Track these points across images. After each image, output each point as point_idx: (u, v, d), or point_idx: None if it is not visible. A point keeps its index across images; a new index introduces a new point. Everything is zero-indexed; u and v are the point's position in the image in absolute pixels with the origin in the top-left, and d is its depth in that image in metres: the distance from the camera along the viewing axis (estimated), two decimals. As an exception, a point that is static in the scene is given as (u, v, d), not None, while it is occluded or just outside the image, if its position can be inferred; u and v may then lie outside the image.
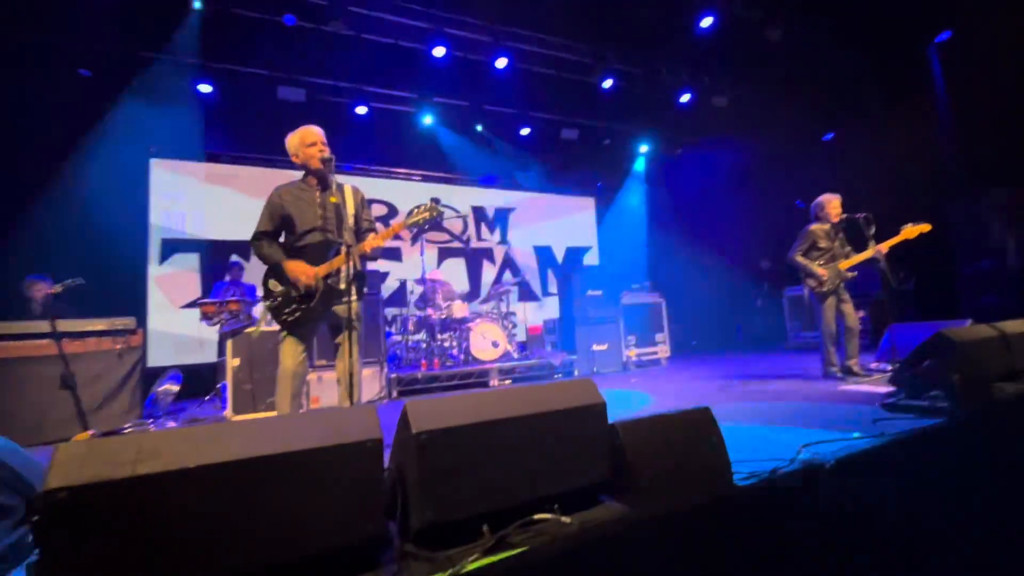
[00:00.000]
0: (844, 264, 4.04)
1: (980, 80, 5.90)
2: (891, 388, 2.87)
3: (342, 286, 2.40)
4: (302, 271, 2.33)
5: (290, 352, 2.41)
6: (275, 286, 2.41)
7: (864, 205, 4.03)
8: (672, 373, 5.43)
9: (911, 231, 3.91)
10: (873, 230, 3.86)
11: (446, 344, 5.69)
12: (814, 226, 4.20)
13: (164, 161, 6.21)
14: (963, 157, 6.14)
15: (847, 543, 1.82)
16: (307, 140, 2.46)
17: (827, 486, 1.85)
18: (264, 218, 2.46)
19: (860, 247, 4.04)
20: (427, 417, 1.37)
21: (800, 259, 4.16)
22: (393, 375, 4.88)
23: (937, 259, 6.05)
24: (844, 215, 4.11)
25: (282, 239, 2.52)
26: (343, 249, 2.35)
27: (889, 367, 3.94)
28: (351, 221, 2.46)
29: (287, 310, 2.38)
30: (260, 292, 2.52)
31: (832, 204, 4.16)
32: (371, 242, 2.42)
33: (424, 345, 5.63)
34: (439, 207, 2.45)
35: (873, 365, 4.25)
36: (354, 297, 2.38)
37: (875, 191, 5.85)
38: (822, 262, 4.10)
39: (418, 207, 2.45)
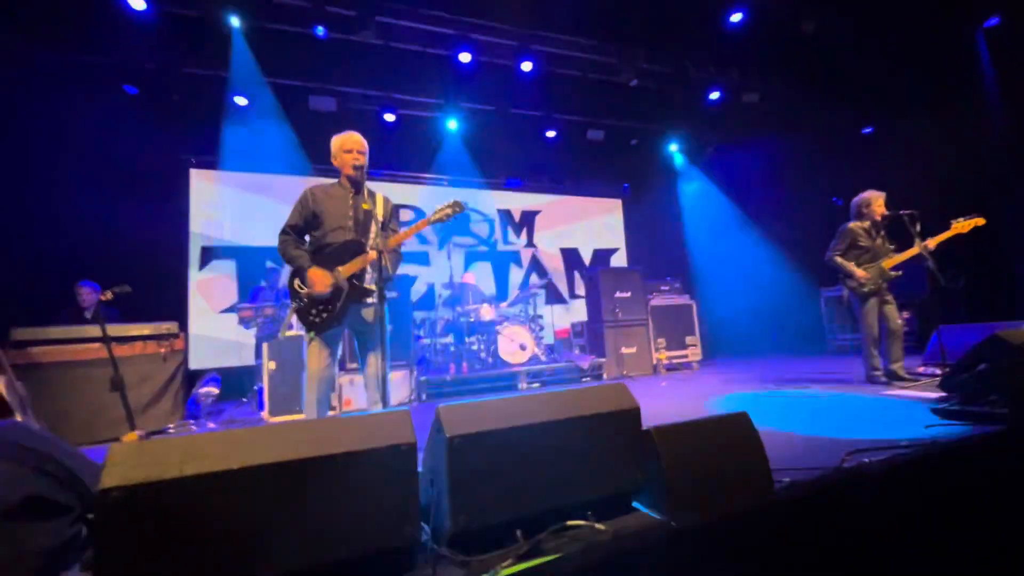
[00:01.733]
0: (888, 263, 3.86)
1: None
2: (941, 393, 2.73)
3: (368, 287, 2.43)
4: (319, 279, 2.36)
5: (316, 355, 2.41)
6: (301, 287, 2.43)
7: (906, 202, 3.85)
8: (704, 377, 5.30)
9: (963, 225, 3.70)
10: (919, 227, 3.68)
11: (474, 347, 5.72)
12: (853, 224, 4.03)
13: (203, 172, 6.46)
14: (1015, 148, 5.80)
15: (895, 558, 1.73)
16: (345, 146, 2.52)
17: (875, 496, 1.76)
18: (294, 213, 2.51)
19: (903, 245, 3.86)
20: (460, 421, 1.37)
21: (839, 259, 4.00)
22: (422, 378, 4.92)
23: (988, 257, 5.73)
24: (888, 212, 3.93)
25: (308, 237, 2.56)
26: (369, 250, 2.39)
27: (938, 371, 3.75)
28: (378, 227, 2.49)
29: (313, 311, 2.39)
30: (288, 292, 2.54)
31: (877, 202, 3.98)
32: (396, 238, 2.43)
33: (452, 348, 5.67)
34: (461, 204, 2.43)
35: (920, 369, 4.04)
36: (381, 300, 2.41)
37: (918, 187, 5.57)
38: (864, 261, 3.93)
39: (440, 206, 2.46)
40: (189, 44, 5.57)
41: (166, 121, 6.01)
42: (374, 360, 2.43)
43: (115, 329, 3.70)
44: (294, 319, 2.55)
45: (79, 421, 3.47)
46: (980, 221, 3.69)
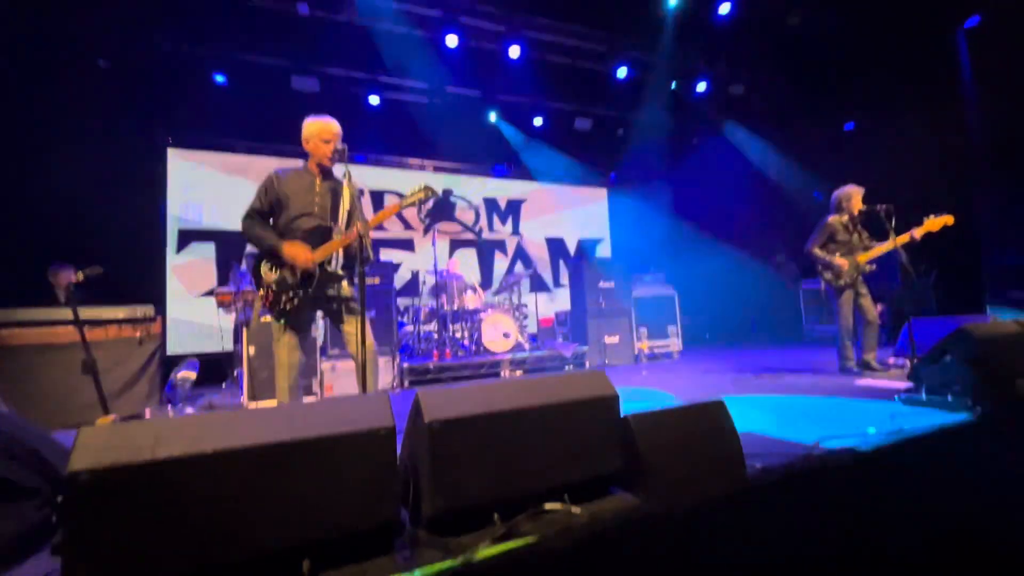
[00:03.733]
0: (863, 257, 3.96)
1: (1010, 67, 5.69)
2: (910, 384, 2.82)
3: (334, 271, 2.39)
4: (300, 252, 2.27)
5: (285, 343, 2.35)
6: (267, 274, 2.34)
7: (886, 196, 3.93)
8: (684, 366, 5.39)
9: (933, 223, 3.80)
10: (894, 222, 3.76)
11: (458, 335, 5.71)
12: (832, 218, 4.12)
13: (181, 151, 6.28)
14: (990, 147, 5.95)
15: (862, 542, 1.80)
16: (324, 135, 2.44)
17: (843, 483, 1.82)
18: (257, 197, 2.43)
19: (880, 239, 3.95)
20: (439, 406, 1.38)
21: (818, 251, 4.08)
22: (405, 365, 4.91)
23: (960, 252, 5.90)
24: (864, 207, 4.01)
25: (272, 223, 2.47)
26: (335, 235, 2.35)
27: (907, 362, 3.87)
28: (350, 212, 2.45)
29: (284, 298, 2.32)
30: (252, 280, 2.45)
31: (856, 197, 4.06)
32: (371, 221, 2.36)
33: (436, 335, 5.66)
34: (432, 188, 2.40)
35: (891, 360, 4.17)
36: (347, 285, 2.39)
37: (898, 181, 5.68)
38: (840, 254, 4.02)
39: (412, 189, 2.42)
40: (164, 16, 5.37)
41: (142, 97, 5.81)
42: (354, 339, 2.35)
43: (88, 312, 3.59)
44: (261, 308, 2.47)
45: (50, 405, 3.39)
46: (949, 220, 3.79)
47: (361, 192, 2.71)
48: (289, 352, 2.36)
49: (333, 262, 2.39)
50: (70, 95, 5.41)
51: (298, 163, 2.57)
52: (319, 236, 2.36)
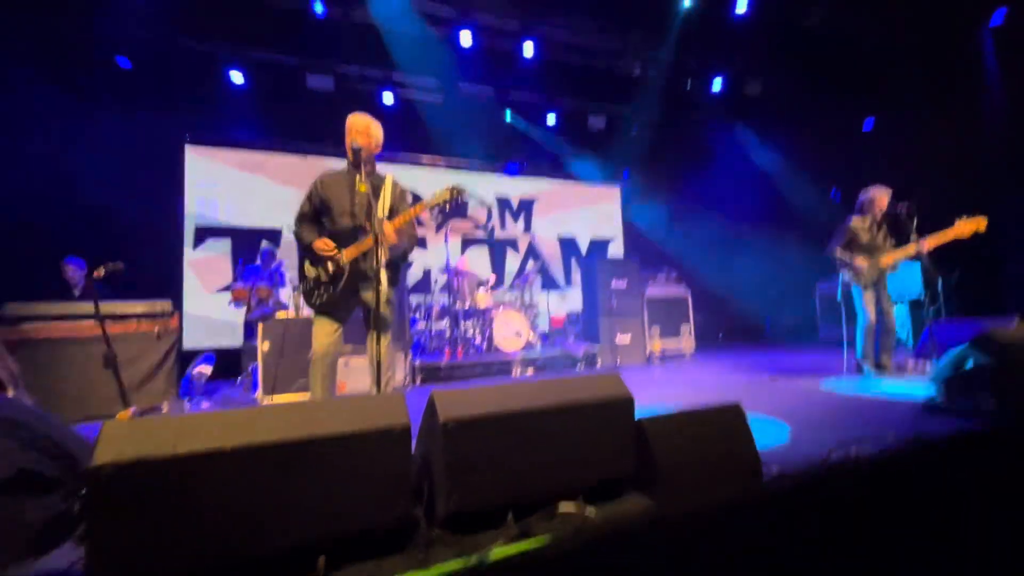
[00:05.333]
0: (885, 260, 3.88)
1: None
2: (929, 386, 2.76)
3: (366, 270, 2.45)
4: (324, 245, 2.42)
5: (319, 334, 2.48)
6: (309, 270, 2.50)
7: (906, 197, 3.85)
8: (697, 367, 5.34)
9: (965, 227, 3.63)
10: (916, 223, 3.68)
11: (469, 333, 5.72)
12: (855, 220, 4.02)
13: (198, 148, 6.36)
14: (1015, 147, 5.80)
15: (878, 550, 1.77)
16: (351, 128, 2.52)
17: (860, 489, 1.79)
18: (304, 202, 2.57)
19: (904, 239, 3.86)
20: (454, 406, 1.38)
21: (840, 253, 4.01)
22: (417, 362, 4.94)
23: (983, 254, 5.76)
24: (887, 210, 3.93)
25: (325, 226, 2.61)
26: (371, 235, 2.37)
27: (928, 365, 3.79)
28: (384, 211, 2.48)
29: (316, 293, 2.46)
30: (297, 276, 2.62)
31: (882, 199, 3.95)
32: (395, 223, 2.41)
33: (447, 333, 5.67)
34: (460, 189, 2.43)
35: (910, 363, 4.09)
36: (384, 284, 2.41)
37: (918, 182, 5.57)
38: (863, 256, 3.95)
39: (439, 190, 2.45)
40: (184, 16, 5.45)
41: (161, 95, 5.90)
42: (372, 343, 2.43)
43: (109, 307, 3.67)
44: (301, 301, 2.61)
45: (71, 398, 3.47)
46: (983, 223, 3.60)
47: (406, 193, 2.73)
48: (320, 342, 2.47)
49: (369, 260, 2.43)
50: (89, 92, 5.52)
51: (342, 165, 2.63)
52: (354, 235, 2.46)
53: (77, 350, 3.56)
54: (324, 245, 2.42)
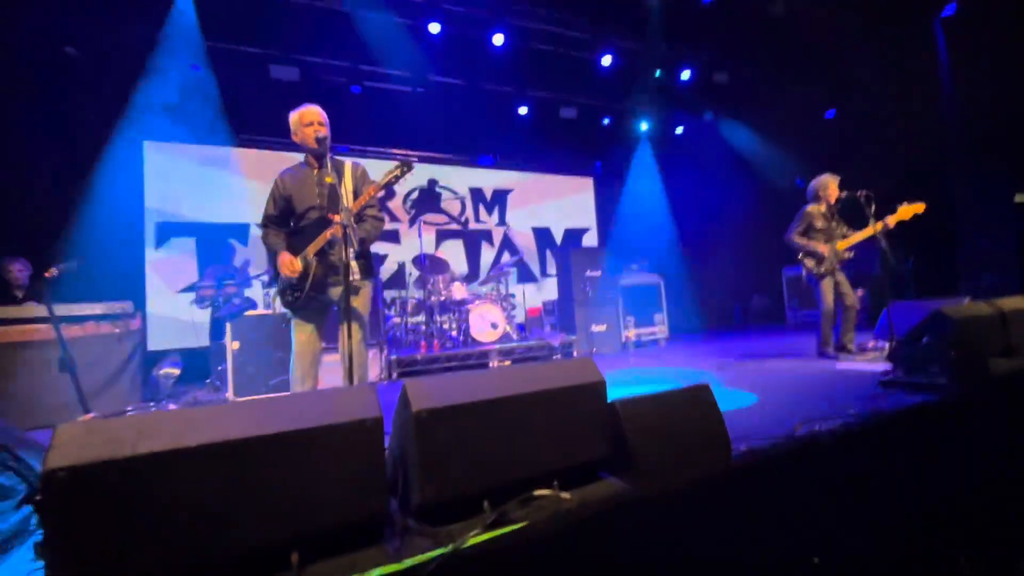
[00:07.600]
0: (842, 244, 4.03)
1: (984, 55, 5.79)
2: (888, 366, 2.89)
3: (333, 260, 2.42)
4: (284, 263, 2.40)
5: (296, 333, 2.49)
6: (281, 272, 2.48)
7: (866, 183, 3.99)
8: (671, 353, 5.46)
9: (906, 211, 3.85)
10: (873, 208, 3.82)
11: (445, 326, 5.69)
12: (811, 207, 4.17)
13: (157, 143, 6.11)
14: (965, 134, 6.07)
15: (843, 518, 1.85)
16: (304, 120, 2.46)
17: (824, 462, 1.87)
18: (268, 203, 2.52)
19: (860, 225, 4.01)
20: (426, 396, 1.37)
21: (798, 240, 4.14)
22: (393, 357, 4.89)
23: (937, 238, 6.03)
24: (843, 194, 4.07)
25: (291, 223, 2.57)
26: (336, 226, 2.33)
27: (886, 345, 3.95)
28: (349, 199, 2.43)
29: (289, 291, 2.46)
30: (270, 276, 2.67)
31: (832, 185, 4.12)
32: (353, 206, 2.36)
33: (423, 327, 5.63)
34: (409, 163, 2.35)
35: (871, 344, 4.26)
36: (357, 275, 2.38)
37: (877, 169, 5.78)
38: (820, 242, 4.08)
39: (389, 168, 2.37)
40: (140, 4, 5.19)
41: (115, 87, 5.62)
42: (343, 337, 2.39)
43: (64, 308, 3.51)
44: (276, 301, 2.60)
45: (27, 404, 3.31)
46: (920, 207, 3.83)
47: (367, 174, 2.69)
48: (298, 341, 2.47)
49: (332, 252, 2.40)
50: (39, 85, 5.21)
51: (299, 160, 2.58)
52: (320, 227, 2.41)
53: (31, 355, 3.39)
54: (282, 262, 2.39)
